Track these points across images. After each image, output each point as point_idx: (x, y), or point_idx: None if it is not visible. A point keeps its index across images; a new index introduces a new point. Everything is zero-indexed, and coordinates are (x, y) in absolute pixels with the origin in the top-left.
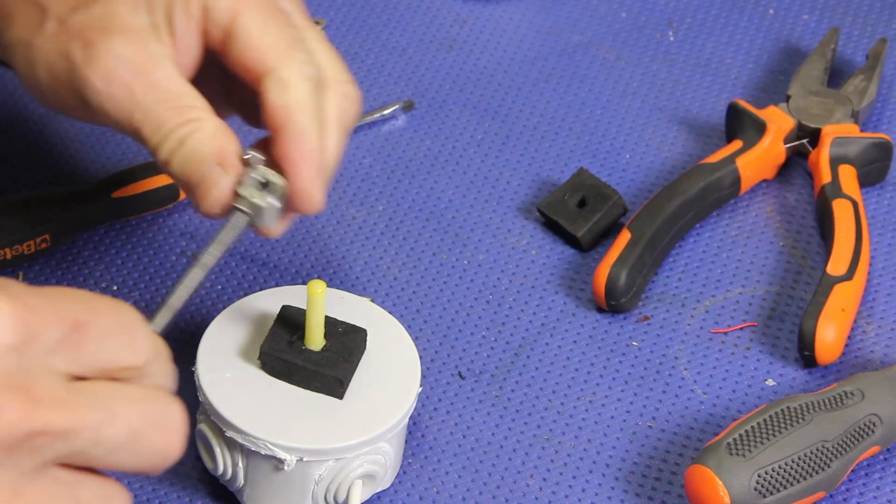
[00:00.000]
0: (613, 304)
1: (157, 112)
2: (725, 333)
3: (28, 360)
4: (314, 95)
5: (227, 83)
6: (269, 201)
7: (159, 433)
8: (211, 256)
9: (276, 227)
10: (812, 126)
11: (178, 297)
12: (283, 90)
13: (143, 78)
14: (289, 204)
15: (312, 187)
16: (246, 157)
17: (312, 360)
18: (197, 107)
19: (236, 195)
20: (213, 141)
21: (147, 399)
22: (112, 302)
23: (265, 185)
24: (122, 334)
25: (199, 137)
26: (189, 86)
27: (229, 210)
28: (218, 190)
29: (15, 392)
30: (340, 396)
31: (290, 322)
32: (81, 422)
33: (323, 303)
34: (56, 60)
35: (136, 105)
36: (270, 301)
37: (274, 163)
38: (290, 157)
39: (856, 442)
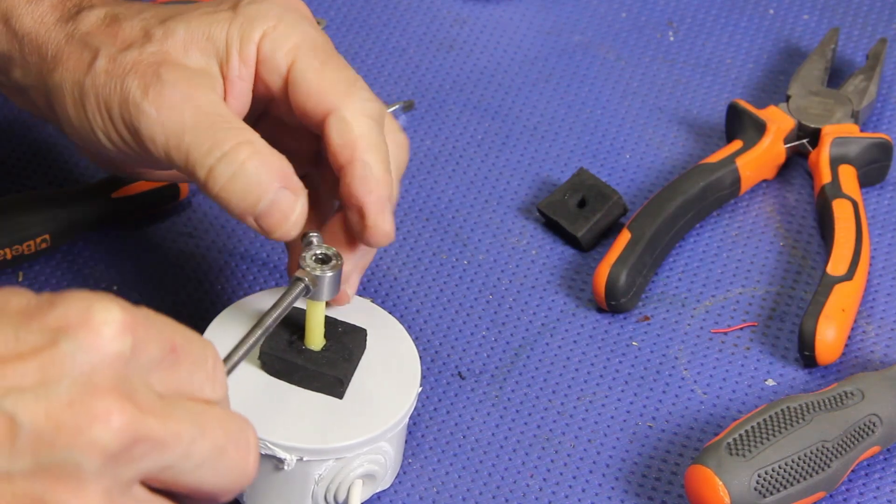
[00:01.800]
0: (613, 304)
1: (208, 134)
2: (725, 333)
3: (131, 371)
4: (377, 131)
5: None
6: (329, 274)
7: (240, 451)
8: (270, 319)
9: (339, 295)
10: (812, 126)
11: (239, 355)
12: (347, 128)
13: (192, 102)
14: (361, 239)
15: (382, 219)
16: (308, 236)
17: (312, 360)
18: (246, 129)
19: (297, 266)
20: (273, 163)
21: (229, 419)
22: (199, 336)
23: (323, 261)
24: (207, 369)
25: (259, 161)
26: (234, 115)
27: (291, 279)
28: (295, 214)
29: (123, 398)
30: (340, 396)
31: (290, 322)
32: (177, 432)
33: (323, 303)
34: (108, 95)
35: (185, 127)
36: (270, 301)
37: (342, 201)
38: (358, 193)
39: (856, 442)
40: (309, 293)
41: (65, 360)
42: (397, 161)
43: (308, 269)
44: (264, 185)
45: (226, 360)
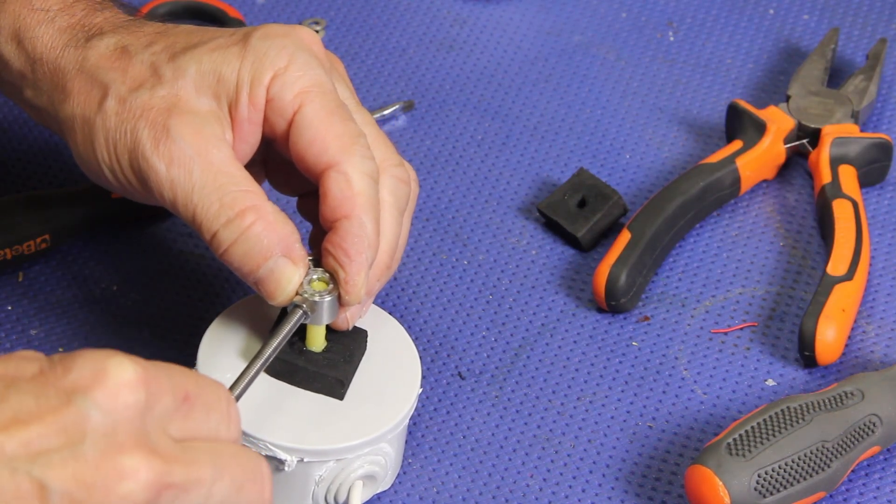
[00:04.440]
0: (613, 304)
1: (215, 196)
2: (725, 333)
3: (148, 423)
4: (375, 191)
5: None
6: (327, 299)
7: (256, 485)
8: (270, 349)
9: (339, 320)
10: (812, 126)
11: (241, 388)
12: (348, 185)
13: (201, 159)
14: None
15: (359, 279)
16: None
17: (313, 361)
18: (253, 192)
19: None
20: (276, 230)
21: (244, 455)
22: (212, 381)
23: (320, 285)
24: (221, 411)
25: (262, 227)
26: (245, 171)
27: (289, 305)
28: (292, 285)
29: (147, 451)
30: (341, 397)
31: None
32: (199, 476)
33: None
34: (118, 139)
35: (194, 187)
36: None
37: (326, 250)
38: (350, 250)
39: (856, 442)
40: (308, 318)
41: (85, 421)
42: (399, 198)
43: (306, 294)
44: (264, 252)
45: None
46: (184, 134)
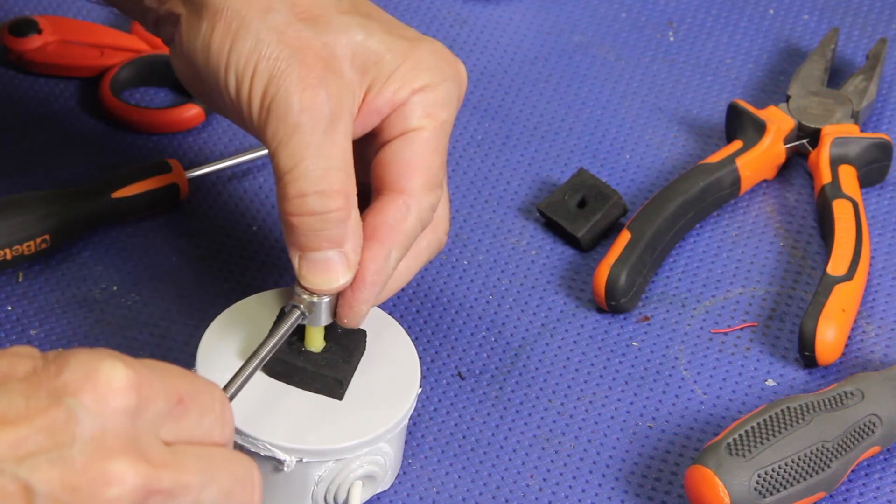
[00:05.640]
0: (613, 304)
1: (324, 164)
2: (725, 333)
3: (139, 427)
4: (417, 235)
5: None
6: (325, 300)
7: (246, 491)
8: (266, 348)
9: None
10: (812, 126)
11: (235, 388)
12: (403, 217)
13: (330, 124)
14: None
15: (364, 307)
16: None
17: (312, 361)
18: (353, 182)
19: (293, 293)
20: (351, 230)
21: (235, 460)
22: (206, 382)
23: None
24: (215, 413)
25: (343, 217)
26: (351, 158)
27: (287, 306)
28: (336, 284)
29: (135, 456)
30: (340, 397)
31: None
32: (188, 482)
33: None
34: (267, 54)
35: (310, 143)
36: (270, 302)
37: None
38: (367, 272)
39: (856, 442)
40: (305, 319)
41: (74, 424)
42: (428, 254)
43: (304, 295)
44: (331, 240)
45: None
46: (331, 93)
